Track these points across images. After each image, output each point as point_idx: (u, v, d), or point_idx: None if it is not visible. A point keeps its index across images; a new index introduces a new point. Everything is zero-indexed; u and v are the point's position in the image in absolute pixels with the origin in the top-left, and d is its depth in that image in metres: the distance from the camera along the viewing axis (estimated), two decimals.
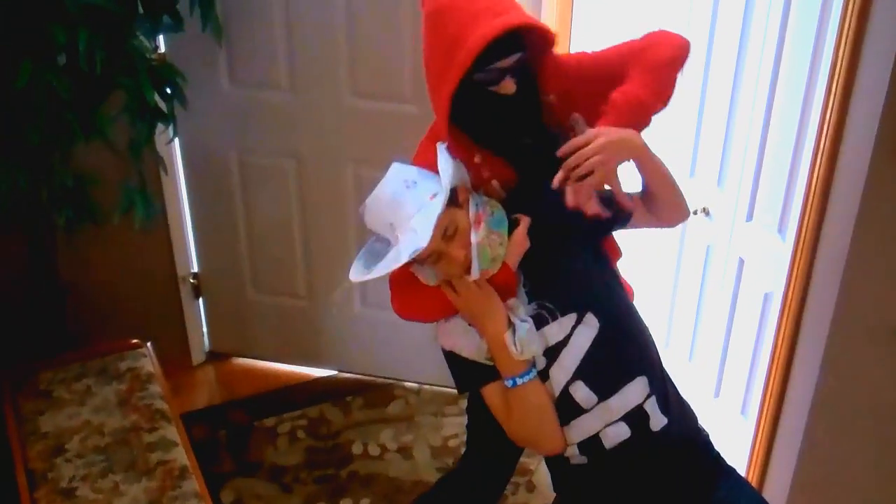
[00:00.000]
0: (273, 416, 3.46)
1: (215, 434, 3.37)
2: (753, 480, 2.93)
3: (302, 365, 3.68)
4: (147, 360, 3.03)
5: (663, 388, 2.02)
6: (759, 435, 2.88)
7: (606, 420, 1.94)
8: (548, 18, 3.48)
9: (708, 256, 3.12)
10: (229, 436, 3.36)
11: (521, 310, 1.95)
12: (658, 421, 1.98)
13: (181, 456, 2.63)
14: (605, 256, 2.11)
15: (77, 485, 2.51)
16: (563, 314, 1.94)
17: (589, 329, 1.94)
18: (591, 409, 1.94)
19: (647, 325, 2.06)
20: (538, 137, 2.00)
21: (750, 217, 2.87)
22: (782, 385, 2.75)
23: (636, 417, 1.95)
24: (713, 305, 3.14)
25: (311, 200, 3.37)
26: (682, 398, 2.11)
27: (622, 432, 1.95)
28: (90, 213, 2.80)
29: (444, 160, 1.89)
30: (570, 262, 1.99)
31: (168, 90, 2.74)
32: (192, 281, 3.62)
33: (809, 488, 2.77)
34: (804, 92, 2.55)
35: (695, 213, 3.07)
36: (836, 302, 2.47)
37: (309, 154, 3.27)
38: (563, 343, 1.94)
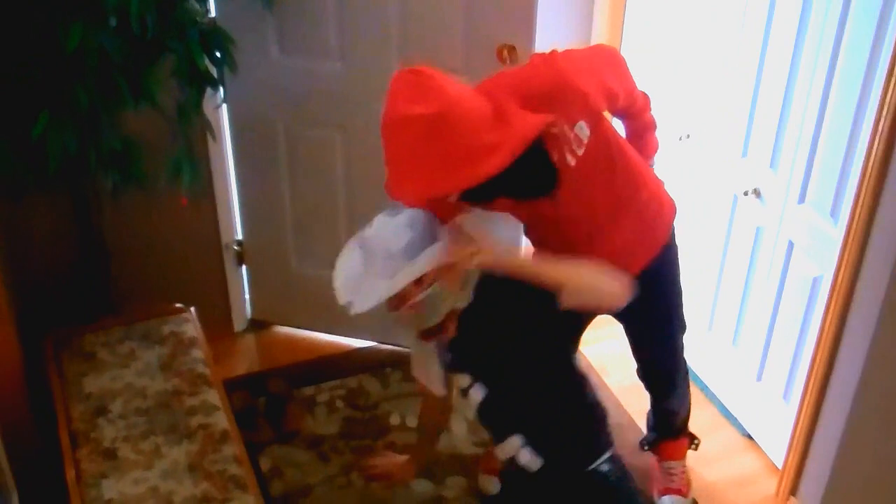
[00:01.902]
0: (312, 386, 3.47)
1: (254, 401, 3.38)
2: (794, 464, 2.91)
3: (342, 336, 3.69)
4: (190, 325, 3.04)
5: (540, 439, 2.35)
6: (801, 420, 2.85)
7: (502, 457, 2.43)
8: (599, 21, 3.46)
9: (757, 239, 3.07)
10: (268, 403, 3.37)
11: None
12: (534, 464, 2.35)
13: (222, 420, 2.65)
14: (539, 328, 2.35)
15: (119, 446, 2.54)
16: (462, 372, 2.39)
17: (478, 391, 2.36)
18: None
19: (548, 381, 2.38)
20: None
21: (802, 199, 2.82)
22: (827, 371, 2.71)
23: (512, 462, 2.39)
24: (760, 289, 3.10)
25: (357, 173, 3.36)
26: (568, 441, 2.40)
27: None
28: (137, 178, 2.81)
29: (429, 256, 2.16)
30: (484, 334, 2.33)
31: (218, 55, 2.74)
32: (235, 248, 3.64)
33: (849, 476, 2.74)
34: (864, 73, 2.50)
35: (745, 194, 3.02)
36: (886, 288, 2.43)
37: (356, 126, 3.26)
38: (466, 390, 2.39)
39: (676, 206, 2.56)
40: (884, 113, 2.33)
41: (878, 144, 2.35)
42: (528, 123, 2.00)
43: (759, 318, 3.12)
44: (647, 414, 3.06)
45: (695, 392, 3.31)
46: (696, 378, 3.50)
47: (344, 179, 3.38)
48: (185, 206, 3.24)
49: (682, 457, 3.01)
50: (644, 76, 3.55)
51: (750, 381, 3.22)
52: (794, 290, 2.93)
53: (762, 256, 3.06)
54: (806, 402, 2.81)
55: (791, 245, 2.91)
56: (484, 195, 2.15)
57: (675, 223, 2.57)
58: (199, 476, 2.44)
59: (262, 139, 3.38)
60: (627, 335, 2.77)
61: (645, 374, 2.87)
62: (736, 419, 3.32)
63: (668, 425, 3.00)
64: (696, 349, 3.49)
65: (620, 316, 2.67)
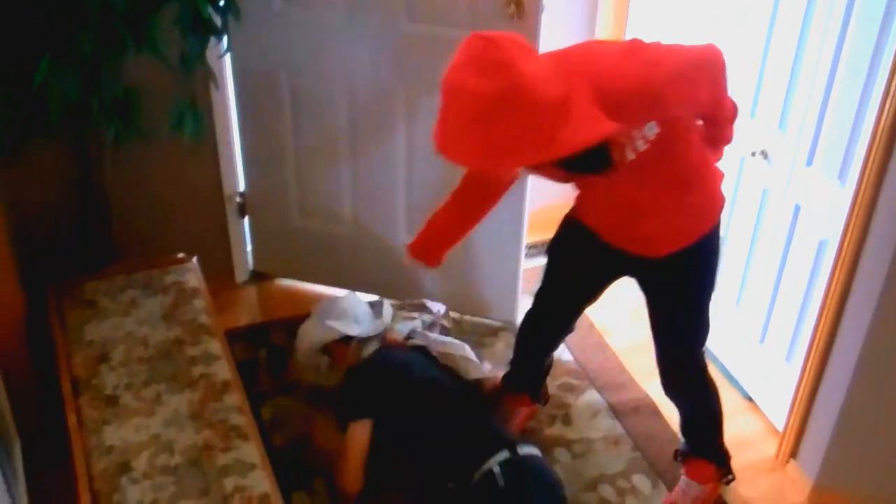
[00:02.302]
0: None
1: (255, 353, 3.39)
2: (795, 427, 2.91)
3: (344, 288, 3.67)
4: (192, 274, 3.04)
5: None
6: (803, 383, 2.85)
7: None
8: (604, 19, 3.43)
9: (763, 201, 3.05)
10: (269, 355, 3.38)
11: None
12: None
13: (223, 370, 2.65)
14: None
15: (120, 392, 2.55)
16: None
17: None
18: None
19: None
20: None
21: (810, 161, 2.80)
22: (831, 334, 2.71)
23: None
24: (765, 251, 3.08)
25: (360, 126, 3.33)
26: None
27: None
28: (139, 127, 2.79)
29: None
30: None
31: (222, 3, 2.70)
32: (238, 200, 3.62)
33: (850, 439, 2.74)
34: (876, 33, 2.46)
35: (752, 155, 3.00)
36: (893, 252, 2.41)
37: (361, 78, 3.23)
38: None
39: (725, 200, 2.51)
40: (895, 76, 2.30)
41: (889, 106, 2.33)
42: (590, 129, 1.90)
43: (763, 280, 3.11)
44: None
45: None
46: None
47: (347, 131, 3.36)
48: (188, 156, 3.22)
49: (705, 482, 2.84)
50: (652, 31, 3.53)
51: (753, 343, 3.22)
52: (800, 253, 2.92)
53: (768, 219, 3.05)
54: (809, 365, 2.80)
55: (798, 208, 2.89)
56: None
57: (720, 218, 2.52)
58: (201, 424, 2.45)
59: (266, 89, 3.35)
60: (652, 318, 2.69)
61: (660, 361, 2.75)
62: (737, 381, 3.32)
63: (696, 439, 2.87)
64: None
65: (647, 289, 2.65)
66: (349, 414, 2.82)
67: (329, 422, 3.00)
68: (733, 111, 2.41)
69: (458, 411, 2.77)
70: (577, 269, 2.70)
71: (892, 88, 2.31)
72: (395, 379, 2.83)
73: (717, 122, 2.38)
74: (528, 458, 2.61)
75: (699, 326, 2.65)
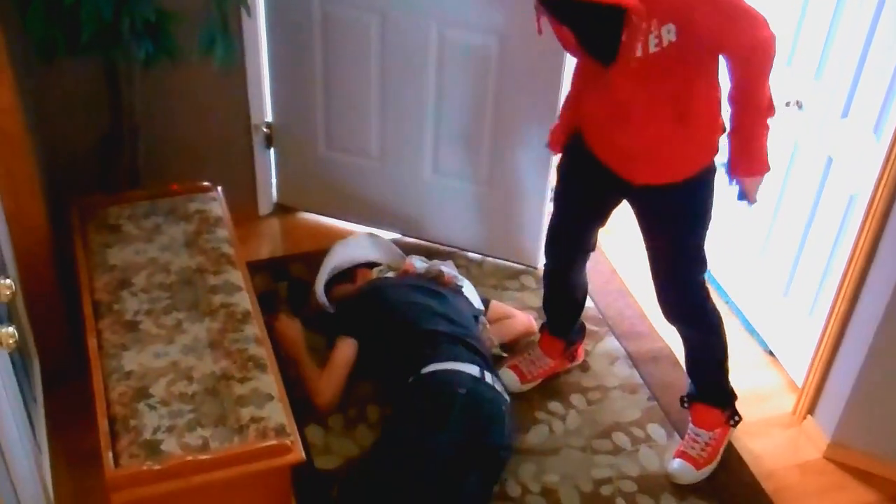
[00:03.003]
0: None
1: (275, 285, 3.40)
2: (814, 382, 2.90)
3: (367, 225, 3.67)
4: (216, 203, 3.03)
5: None
6: (825, 339, 2.83)
7: None
8: None
9: (794, 152, 3.01)
10: (289, 287, 3.38)
11: None
12: None
13: (244, 300, 2.66)
14: None
15: (141, 318, 2.56)
16: None
17: None
18: None
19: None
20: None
21: (845, 114, 2.75)
22: (856, 290, 2.68)
23: None
24: (794, 203, 3.04)
25: (391, 59, 3.29)
26: None
27: None
28: (169, 49, 2.77)
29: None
30: None
31: None
32: (265, 130, 3.60)
33: (869, 398, 2.73)
34: None
35: (787, 105, 2.94)
36: None
37: (394, 10, 3.18)
38: None
39: (717, 150, 2.54)
40: None
41: None
42: None
43: (790, 232, 3.08)
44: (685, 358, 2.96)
45: (719, 304, 3.30)
46: (722, 291, 3.47)
47: (378, 66, 3.32)
48: (217, 83, 3.20)
49: (711, 427, 2.83)
50: None
51: (776, 295, 3.19)
52: (829, 207, 2.88)
53: (798, 171, 3.00)
54: (831, 321, 2.78)
55: (830, 161, 2.85)
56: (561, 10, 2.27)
57: (712, 165, 2.55)
58: (220, 353, 2.46)
59: (298, 18, 3.31)
60: (646, 248, 2.72)
61: (662, 299, 2.76)
62: (758, 334, 3.30)
63: (699, 378, 2.87)
64: (723, 262, 3.46)
65: (641, 220, 2.68)
66: (338, 329, 2.93)
67: (293, 322, 3.05)
68: (767, 101, 2.37)
69: (442, 331, 2.81)
70: (578, 188, 2.73)
71: None
72: (381, 306, 2.93)
73: (743, 102, 2.36)
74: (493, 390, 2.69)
75: (691, 260, 2.66)
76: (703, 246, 2.63)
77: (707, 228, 2.61)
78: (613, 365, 3.18)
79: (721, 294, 3.46)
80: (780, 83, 2.95)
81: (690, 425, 2.86)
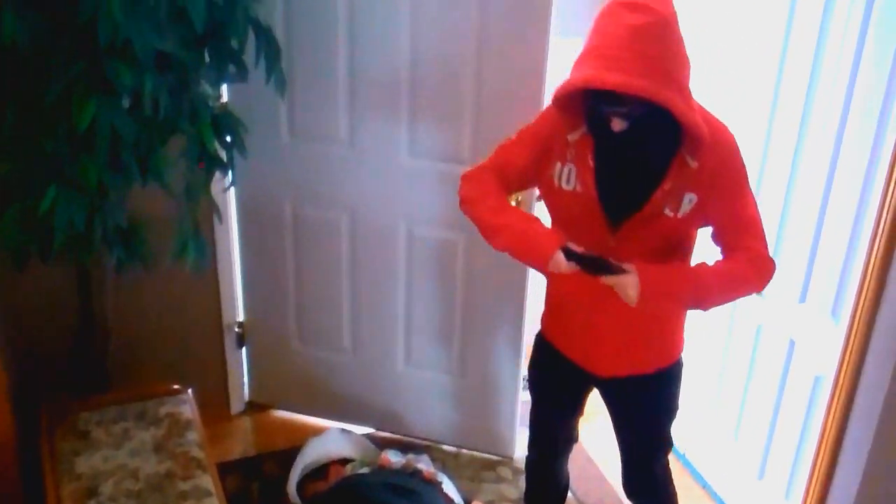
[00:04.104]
0: None
1: (248, 486, 3.34)
2: None
3: (340, 420, 3.65)
4: (187, 406, 3.02)
5: None
6: None
7: None
8: None
9: (758, 336, 3.06)
10: (261, 488, 3.33)
11: None
12: None
13: None
14: None
15: None
16: None
17: None
18: None
19: None
20: (639, 178, 2.23)
21: (803, 298, 2.82)
22: (829, 470, 2.68)
23: None
24: (761, 386, 3.08)
25: (361, 256, 3.38)
26: None
27: None
28: (142, 255, 2.82)
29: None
30: None
31: (228, 139, 2.77)
32: (237, 329, 3.63)
33: None
34: (865, 171, 2.52)
35: None
36: (887, 388, 2.41)
37: (362, 209, 3.29)
38: None
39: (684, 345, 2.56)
40: (884, 213, 2.34)
41: (879, 243, 2.36)
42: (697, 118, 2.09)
43: (760, 415, 3.09)
44: None
45: (696, 489, 3.26)
46: (697, 475, 3.45)
47: (349, 263, 3.40)
48: (189, 286, 3.25)
49: None
50: None
51: (751, 478, 3.18)
52: (796, 389, 2.91)
53: (763, 354, 3.05)
54: (808, 502, 2.76)
55: (792, 343, 2.90)
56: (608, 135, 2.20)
57: (681, 359, 2.56)
58: None
59: (269, 221, 3.41)
60: (616, 434, 2.72)
61: (627, 480, 2.76)
62: None
63: None
64: (698, 445, 3.45)
65: (611, 410, 2.68)
66: None
67: None
68: (761, 267, 2.29)
69: None
70: (546, 382, 2.73)
71: (881, 227, 2.35)
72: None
73: (733, 253, 2.31)
74: None
75: (661, 447, 2.66)
76: (670, 431, 2.64)
77: (676, 415, 2.62)
78: None
79: (697, 478, 3.44)
80: None
81: None
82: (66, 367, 3.16)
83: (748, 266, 2.25)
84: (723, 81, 3.08)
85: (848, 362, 2.53)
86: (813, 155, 2.71)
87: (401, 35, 2.98)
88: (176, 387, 3.09)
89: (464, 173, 2.54)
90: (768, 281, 2.28)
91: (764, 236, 2.27)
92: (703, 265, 2.29)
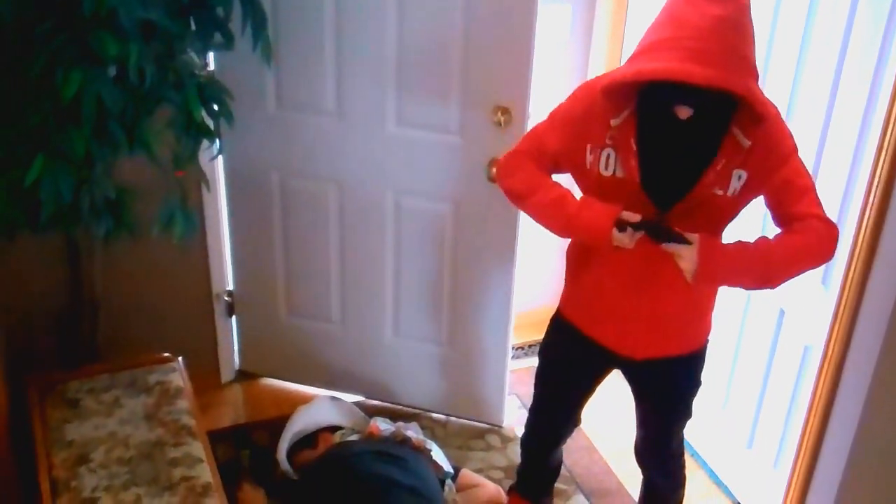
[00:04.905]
0: None
1: (238, 454, 3.35)
2: None
3: (330, 389, 3.66)
4: (177, 374, 3.02)
5: None
6: (792, 488, 2.82)
7: None
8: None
9: (747, 304, 3.07)
10: (252, 456, 3.34)
11: None
12: None
13: (205, 473, 2.61)
14: None
15: (99, 495, 2.50)
16: None
17: None
18: None
19: None
20: (688, 160, 2.20)
21: None
22: (818, 440, 2.69)
23: None
24: (751, 355, 3.09)
25: (349, 226, 3.37)
26: None
27: None
28: (129, 226, 2.81)
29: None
30: None
31: (215, 107, 2.75)
32: (226, 299, 3.63)
33: None
34: (856, 140, 2.52)
35: None
36: (877, 357, 2.42)
37: (350, 180, 3.27)
38: None
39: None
40: (875, 182, 2.34)
41: (870, 212, 2.36)
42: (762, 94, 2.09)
43: (749, 384, 3.11)
44: (640, 499, 2.99)
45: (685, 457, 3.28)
46: (687, 444, 3.47)
47: (337, 233, 3.39)
48: (177, 256, 3.25)
49: None
50: None
51: (740, 448, 3.20)
52: (785, 358, 2.92)
53: (752, 323, 3.06)
54: (797, 472, 2.78)
55: (782, 312, 2.91)
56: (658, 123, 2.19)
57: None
58: None
59: (257, 191, 3.39)
60: (637, 409, 2.73)
61: (643, 449, 2.80)
62: (726, 486, 3.29)
63: None
64: None
65: (638, 390, 2.68)
66: (301, 498, 2.89)
67: (257, 493, 3.02)
68: (824, 232, 2.27)
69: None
70: (565, 372, 2.70)
71: (872, 195, 2.35)
72: (344, 477, 2.85)
73: (791, 223, 2.30)
74: None
75: (684, 418, 2.69)
76: (693, 402, 2.66)
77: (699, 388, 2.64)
78: None
79: (686, 446, 3.45)
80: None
81: None
82: (56, 338, 3.16)
83: (811, 235, 2.23)
84: None
85: (838, 331, 2.53)
86: (804, 120, 2.71)
87: (389, 3, 2.95)
88: (166, 355, 3.09)
89: (500, 161, 2.51)
90: (835, 247, 2.26)
91: (820, 202, 2.26)
92: (764, 239, 2.26)
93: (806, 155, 2.67)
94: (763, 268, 2.23)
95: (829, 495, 2.66)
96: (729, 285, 2.37)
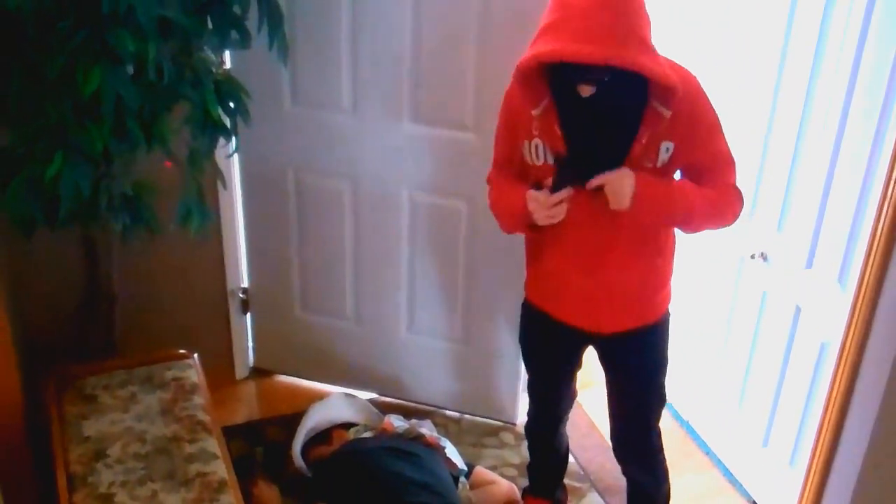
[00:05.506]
0: None
1: (252, 450, 3.36)
2: None
3: (343, 386, 3.67)
4: (193, 370, 3.03)
5: None
6: (808, 487, 2.81)
7: None
8: None
9: (763, 303, 3.06)
10: (266, 453, 3.35)
11: None
12: None
13: (220, 469, 2.62)
14: None
15: (116, 491, 2.51)
16: None
17: None
18: None
19: None
20: (601, 135, 2.28)
21: (810, 264, 2.81)
22: (834, 438, 2.68)
23: None
24: (766, 353, 3.08)
25: (364, 223, 3.37)
26: None
27: None
28: (146, 222, 2.82)
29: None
30: None
31: (231, 105, 2.76)
32: (241, 295, 3.64)
33: None
34: (873, 136, 2.51)
35: (752, 257, 3.02)
36: (895, 355, 2.41)
37: (365, 177, 3.28)
38: None
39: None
40: (893, 178, 2.33)
41: (888, 208, 2.35)
42: (664, 68, 2.12)
43: (765, 383, 3.10)
44: (627, 501, 2.99)
45: (699, 456, 3.28)
46: (702, 442, 3.47)
47: (352, 229, 3.39)
48: (193, 252, 3.26)
49: None
50: None
51: (756, 446, 3.19)
52: (802, 356, 2.91)
53: (768, 321, 3.05)
54: (812, 470, 2.77)
55: (798, 310, 2.90)
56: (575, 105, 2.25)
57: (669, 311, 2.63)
58: None
59: (272, 188, 3.40)
60: (610, 397, 2.76)
61: (622, 443, 2.81)
62: (741, 485, 3.28)
63: None
64: (701, 412, 3.47)
65: (610, 367, 2.71)
66: (315, 495, 2.90)
67: (271, 489, 3.04)
68: (733, 198, 2.46)
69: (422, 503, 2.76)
70: (542, 351, 2.77)
71: (889, 191, 2.34)
72: (358, 474, 2.87)
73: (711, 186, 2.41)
74: None
75: (658, 399, 2.70)
76: (664, 385, 2.68)
77: (667, 369, 2.67)
78: None
79: (701, 445, 3.45)
80: (743, 235, 3.04)
81: None
82: (73, 333, 3.18)
83: (729, 194, 2.41)
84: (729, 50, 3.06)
85: (854, 329, 2.52)
86: (820, 120, 2.70)
87: (404, 0, 2.96)
88: (182, 351, 3.11)
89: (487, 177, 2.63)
90: (740, 210, 2.45)
91: (736, 171, 2.41)
92: (687, 183, 2.37)
93: (822, 153, 2.67)
94: (686, 208, 2.34)
95: (845, 494, 2.65)
96: (659, 220, 2.41)
